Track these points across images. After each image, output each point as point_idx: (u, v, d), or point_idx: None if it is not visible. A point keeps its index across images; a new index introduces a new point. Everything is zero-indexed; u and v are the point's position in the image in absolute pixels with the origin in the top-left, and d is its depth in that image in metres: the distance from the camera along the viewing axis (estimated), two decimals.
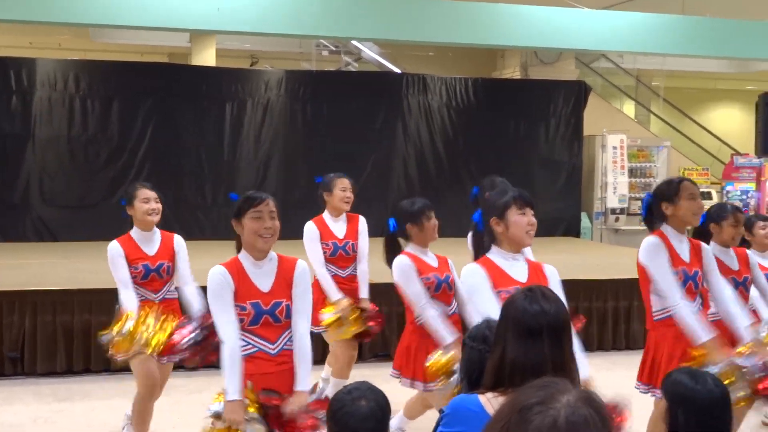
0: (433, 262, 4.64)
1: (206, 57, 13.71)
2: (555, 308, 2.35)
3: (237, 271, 3.55)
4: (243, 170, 12.06)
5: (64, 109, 11.50)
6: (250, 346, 3.54)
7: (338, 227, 5.85)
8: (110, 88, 11.66)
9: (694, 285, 4.29)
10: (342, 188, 5.82)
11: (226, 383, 3.45)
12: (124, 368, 6.86)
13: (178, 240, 5.07)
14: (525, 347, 2.32)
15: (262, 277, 3.57)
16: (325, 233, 5.78)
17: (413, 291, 4.51)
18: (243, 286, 3.53)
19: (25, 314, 6.87)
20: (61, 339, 6.92)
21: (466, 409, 2.39)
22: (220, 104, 12.10)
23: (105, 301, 7.04)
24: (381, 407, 2.68)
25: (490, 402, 2.35)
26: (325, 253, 5.75)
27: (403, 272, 4.53)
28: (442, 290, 4.56)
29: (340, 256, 5.78)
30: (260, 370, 3.52)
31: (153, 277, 4.90)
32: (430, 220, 4.64)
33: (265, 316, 3.52)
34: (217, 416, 3.48)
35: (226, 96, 12.12)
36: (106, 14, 8.83)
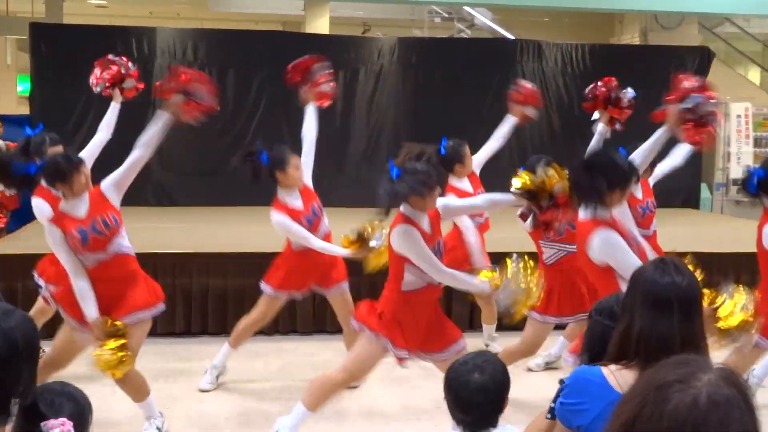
0: None
1: (320, 25, 13.78)
2: (687, 281, 2.26)
3: None
4: (355, 138, 12.10)
5: None
6: None
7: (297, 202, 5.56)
8: (226, 57, 11.85)
9: None
10: (296, 166, 5.59)
11: None
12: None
13: None
14: (653, 319, 2.23)
15: None
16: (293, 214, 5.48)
17: None
18: None
19: None
20: (180, 301, 7.11)
21: (587, 380, 2.34)
22: (333, 72, 12.12)
23: (221, 265, 7.23)
24: (495, 380, 2.65)
25: (613, 374, 2.29)
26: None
27: None
28: None
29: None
30: None
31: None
32: None
33: None
34: None
35: (339, 63, 12.12)
36: None
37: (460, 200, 5.32)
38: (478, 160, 6.56)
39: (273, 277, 5.68)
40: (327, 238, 5.59)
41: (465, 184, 6.35)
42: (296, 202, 5.50)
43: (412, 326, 4.42)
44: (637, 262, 3.55)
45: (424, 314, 4.46)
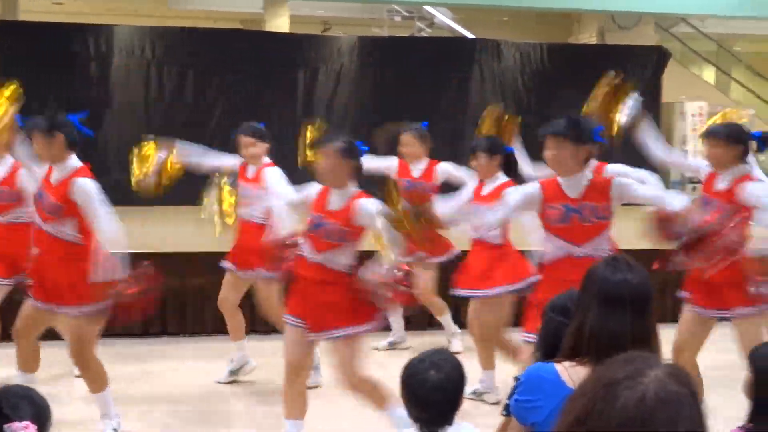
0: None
1: (279, 23, 13.71)
2: (639, 278, 2.29)
3: None
4: None
5: (140, 75, 11.64)
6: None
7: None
8: (185, 55, 11.76)
9: None
10: (244, 145, 6.04)
11: None
12: (199, 331, 7.05)
13: None
14: (605, 316, 2.26)
15: None
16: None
17: None
18: None
19: None
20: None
21: (540, 377, 2.36)
22: (293, 70, 12.11)
23: (179, 265, 7.18)
24: (451, 379, 2.65)
25: (567, 371, 2.32)
26: None
27: None
28: None
29: None
30: None
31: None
32: None
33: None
34: None
35: (299, 62, 12.12)
36: None
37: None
38: (443, 168, 6.65)
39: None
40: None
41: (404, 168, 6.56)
42: (250, 174, 6.01)
43: (297, 297, 4.48)
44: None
45: (300, 290, 4.45)
